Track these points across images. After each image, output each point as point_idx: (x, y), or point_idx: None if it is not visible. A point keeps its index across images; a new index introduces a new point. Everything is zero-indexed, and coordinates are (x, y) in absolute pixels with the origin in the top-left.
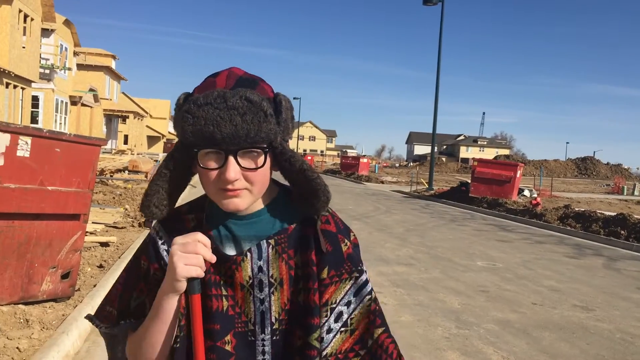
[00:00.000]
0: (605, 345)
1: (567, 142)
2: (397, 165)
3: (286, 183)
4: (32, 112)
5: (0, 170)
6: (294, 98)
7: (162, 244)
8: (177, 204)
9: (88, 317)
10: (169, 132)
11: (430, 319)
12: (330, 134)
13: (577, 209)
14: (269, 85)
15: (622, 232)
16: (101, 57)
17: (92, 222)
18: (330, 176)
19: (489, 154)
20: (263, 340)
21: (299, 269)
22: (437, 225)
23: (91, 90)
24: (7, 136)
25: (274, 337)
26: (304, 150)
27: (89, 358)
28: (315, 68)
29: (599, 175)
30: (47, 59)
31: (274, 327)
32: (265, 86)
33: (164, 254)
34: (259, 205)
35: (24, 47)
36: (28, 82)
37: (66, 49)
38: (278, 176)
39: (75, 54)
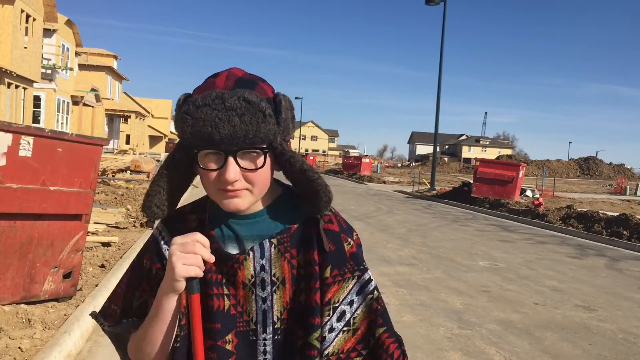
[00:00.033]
0: (608, 346)
1: (570, 142)
2: (399, 165)
3: (289, 183)
4: (34, 112)
5: (2, 170)
6: (296, 98)
7: (165, 243)
8: (180, 204)
9: (92, 314)
10: (171, 132)
11: (432, 319)
12: (332, 134)
13: (579, 209)
14: (269, 86)
15: (625, 232)
16: (103, 57)
17: (94, 222)
18: (332, 176)
19: (491, 154)
20: (265, 339)
21: (302, 269)
22: (439, 225)
23: (93, 90)
24: (9, 136)
25: (276, 337)
26: (306, 150)
27: (91, 358)
28: (317, 68)
29: (601, 176)
30: (49, 59)
31: (275, 326)
32: (265, 86)
33: (166, 253)
34: (261, 204)
35: (25, 47)
36: (30, 82)
37: (68, 49)
38: (281, 176)
39: (77, 54)
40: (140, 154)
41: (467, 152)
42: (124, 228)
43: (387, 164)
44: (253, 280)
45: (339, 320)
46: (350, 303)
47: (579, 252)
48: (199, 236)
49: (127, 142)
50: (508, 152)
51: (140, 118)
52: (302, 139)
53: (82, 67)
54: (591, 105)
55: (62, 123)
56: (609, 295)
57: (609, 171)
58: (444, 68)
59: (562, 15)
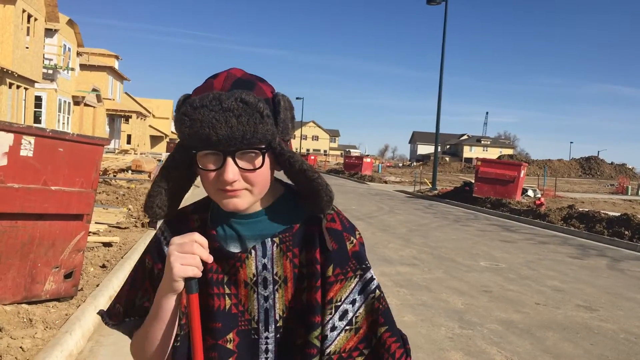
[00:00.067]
0: (609, 346)
1: (571, 142)
2: (400, 165)
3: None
4: (35, 112)
5: (3, 170)
6: (297, 98)
7: (166, 244)
8: (183, 204)
9: (100, 312)
10: (172, 132)
11: (433, 319)
12: (334, 134)
13: (581, 209)
14: (269, 86)
15: (626, 232)
16: (104, 57)
17: (95, 222)
18: (333, 176)
19: (493, 153)
20: (267, 338)
21: (304, 267)
22: (440, 225)
23: (94, 90)
24: (11, 136)
25: (278, 335)
26: (307, 150)
27: (92, 357)
28: (317, 68)
29: (603, 175)
30: (50, 59)
31: (277, 325)
32: (264, 87)
33: None
34: (263, 204)
35: (27, 48)
36: (31, 82)
37: (69, 49)
38: (283, 175)
39: (79, 54)
40: (141, 153)
41: (469, 152)
42: (125, 228)
43: (388, 164)
44: (255, 279)
45: (341, 319)
46: (353, 302)
47: (580, 252)
48: (197, 236)
49: (128, 142)
50: (509, 152)
51: (141, 118)
52: (304, 139)
53: (83, 67)
54: (592, 105)
55: (64, 123)
56: (611, 296)
57: (610, 171)
58: (445, 68)
59: (562, 15)
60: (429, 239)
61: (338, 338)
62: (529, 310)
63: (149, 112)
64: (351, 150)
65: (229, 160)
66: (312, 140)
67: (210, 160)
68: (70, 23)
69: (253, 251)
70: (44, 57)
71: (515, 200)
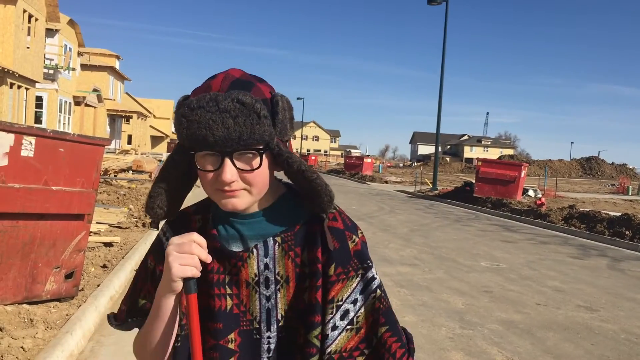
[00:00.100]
0: (610, 346)
1: (572, 142)
2: (401, 165)
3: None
4: (35, 112)
5: (4, 170)
6: (298, 98)
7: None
8: (185, 204)
9: (108, 314)
10: (173, 132)
11: (434, 319)
12: (334, 134)
13: (581, 209)
14: (268, 86)
15: (627, 232)
16: (105, 57)
17: (96, 222)
18: (334, 176)
19: (493, 154)
20: (269, 337)
21: (306, 267)
22: (441, 225)
23: (95, 90)
24: (11, 136)
25: (280, 335)
26: (308, 150)
27: (93, 357)
28: (318, 68)
29: (603, 175)
30: (51, 59)
31: (279, 324)
32: (263, 87)
33: None
34: (264, 204)
35: (28, 48)
36: (32, 82)
37: (70, 49)
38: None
39: (80, 54)
40: (142, 154)
41: (469, 152)
42: (126, 228)
43: (389, 164)
44: (257, 278)
45: (342, 318)
46: (354, 302)
47: (581, 252)
48: (195, 236)
49: (129, 142)
50: (510, 152)
51: (142, 118)
52: (304, 139)
53: (84, 67)
54: (593, 105)
55: (64, 123)
56: (611, 296)
57: (611, 171)
58: (445, 68)
59: (562, 15)
60: (429, 239)
61: (339, 338)
62: (530, 311)
63: (150, 113)
64: (352, 150)
65: (227, 161)
66: (313, 140)
67: (208, 161)
68: (71, 23)
69: (255, 250)
70: (44, 57)
71: (516, 200)
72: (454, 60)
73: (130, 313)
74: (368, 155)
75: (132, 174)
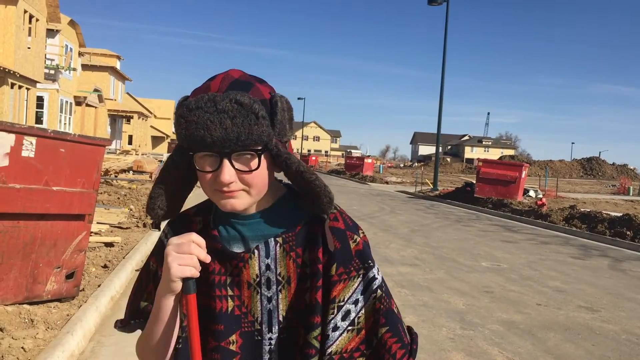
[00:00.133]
0: (611, 347)
1: (573, 143)
2: (401, 165)
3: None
4: (36, 112)
5: (5, 170)
6: (298, 98)
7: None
8: (187, 204)
9: (117, 320)
10: (173, 133)
11: (434, 319)
12: (335, 134)
13: (582, 210)
14: (267, 87)
15: (628, 232)
16: (106, 57)
17: (97, 223)
18: (334, 176)
19: (494, 154)
20: (270, 339)
21: (307, 267)
22: (442, 225)
23: (96, 90)
24: (12, 136)
25: (281, 336)
26: (308, 151)
27: (94, 358)
28: (318, 68)
29: (604, 176)
30: (52, 60)
31: (281, 325)
32: (262, 88)
33: None
34: (264, 205)
35: (29, 48)
36: (33, 82)
37: (71, 49)
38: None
39: (80, 54)
40: (142, 154)
41: (470, 153)
42: (126, 228)
43: (389, 164)
44: (258, 279)
45: (343, 319)
46: (356, 302)
47: (582, 252)
48: (194, 236)
49: (130, 143)
50: (511, 152)
51: (142, 118)
52: (305, 139)
53: (85, 67)
54: (594, 106)
55: (65, 123)
56: (612, 296)
57: (612, 171)
58: (446, 68)
59: (563, 15)
60: (430, 239)
61: (340, 338)
62: (531, 311)
63: (151, 113)
64: (352, 150)
65: (225, 161)
66: (314, 140)
67: (207, 162)
68: (71, 23)
69: (256, 251)
70: (45, 58)
71: (517, 201)
72: (454, 60)
73: (133, 315)
74: (369, 156)
75: (133, 174)
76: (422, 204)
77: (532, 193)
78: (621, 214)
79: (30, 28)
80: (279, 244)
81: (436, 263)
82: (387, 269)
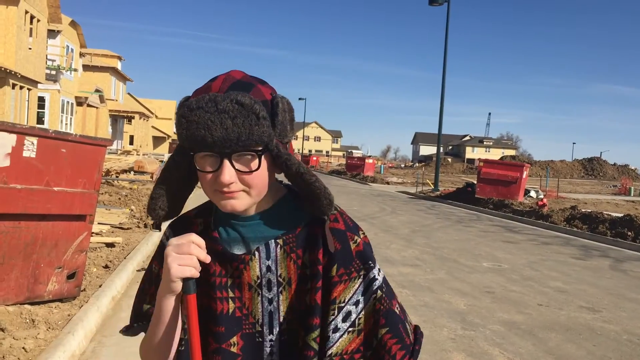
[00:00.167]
0: (612, 347)
1: (574, 143)
2: (402, 165)
3: None
4: (38, 112)
5: (6, 170)
6: (299, 99)
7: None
8: (187, 207)
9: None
10: (174, 133)
11: (435, 320)
12: (336, 135)
13: (583, 210)
14: (268, 88)
15: (629, 233)
16: (107, 58)
17: (98, 223)
18: (335, 177)
19: (495, 154)
20: (271, 340)
21: (307, 269)
22: (442, 226)
23: (97, 91)
24: (13, 137)
25: (282, 337)
26: (309, 151)
27: (95, 358)
28: (319, 68)
29: (605, 176)
30: (53, 60)
31: (282, 327)
32: (263, 89)
33: None
34: (264, 206)
35: (30, 48)
36: (34, 83)
37: (72, 50)
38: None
39: (81, 55)
40: (143, 154)
41: (471, 153)
42: (127, 229)
43: (390, 165)
44: (259, 281)
45: (344, 320)
46: (356, 303)
47: (583, 253)
48: (194, 237)
49: (131, 143)
50: (512, 152)
51: (144, 119)
52: (306, 139)
53: (86, 68)
54: (595, 106)
55: (66, 124)
56: (614, 297)
57: (613, 172)
58: (447, 68)
59: (563, 15)
60: (431, 239)
61: (340, 340)
62: (532, 311)
63: (152, 113)
64: (353, 151)
65: (226, 162)
66: (315, 141)
67: (207, 162)
68: (72, 24)
69: (257, 253)
70: (46, 58)
71: (518, 201)
72: (455, 60)
73: (136, 318)
74: (370, 156)
75: (134, 174)
76: (423, 204)
77: (533, 193)
78: (622, 215)
79: (31, 29)
80: (279, 246)
81: (437, 263)
82: (388, 269)
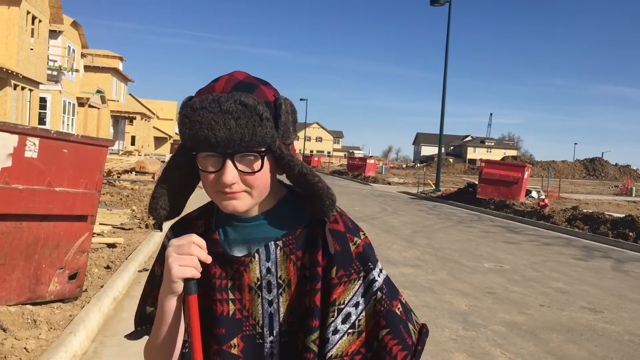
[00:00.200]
0: (614, 348)
1: (575, 143)
2: (404, 166)
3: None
4: (39, 113)
5: (8, 171)
6: (301, 99)
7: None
8: (188, 207)
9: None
10: (176, 133)
11: (437, 320)
12: (337, 135)
13: (585, 211)
14: (271, 89)
15: (631, 233)
16: (108, 58)
17: (100, 223)
18: (337, 177)
19: (497, 155)
20: (271, 342)
21: (307, 270)
22: (444, 226)
23: (98, 91)
24: (15, 137)
25: (283, 339)
26: (311, 151)
27: (96, 358)
28: (319, 69)
29: (607, 177)
30: (54, 61)
31: (282, 329)
32: (266, 90)
33: None
34: (265, 207)
35: (31, 49)
36: (36, 83)
37: (74, 50)
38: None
39: (83, 55)
40: (145, 155)
41: (472, 153)
42: (129, 229)
43: (391, 165)
44: (259, 283)
45: (344, 322)
46: (356, 305)
47: (584, 253)
48: (194, 237)
49: (133, 144)
50: (513, 153)
51: (145, 119)
52: (307, 140)
53: (87, 68)
54: (597, 106)
55: (68, 124)
56: (615, 297)
57: (614, 172)
58: (448, 69)
59: (564, 15)
60: (432, 240)
61: (340, 341)
62: (533, 312)
63: (153, 114)
64: (355, 151)
65: (228, 162)
66: (316, 141)
67: (210, 162)
68: (74, 25)
69: (257, 255)
70: (48, 59)
71: (519, 202)
72: (456, 61)
73: (140, 321)
74: (371, 156)
75: (136, 175)
76: (425, 204)
77: (534, 194)
78: (624, 215)
79: (33, 29)
80: (279, 247)
81: (438, 264)
82: (390, 270)
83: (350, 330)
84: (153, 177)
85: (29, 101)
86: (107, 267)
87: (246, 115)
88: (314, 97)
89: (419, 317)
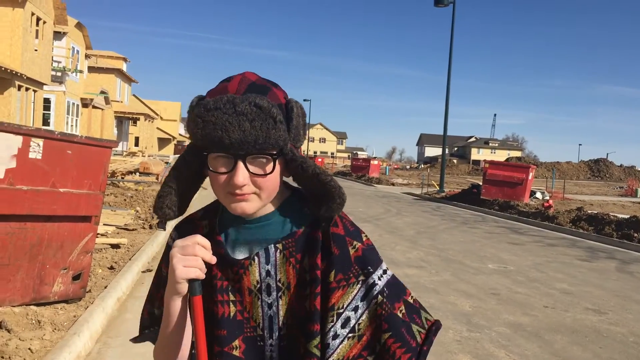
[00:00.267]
0: (618, 349)
1: (580, 144)
2: (407, 167)
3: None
4: (43, 114)
5: (12, 172)
6: (304, 100)
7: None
8: (192, 208)
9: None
10: (180, 134)
11: (441, 321)
12: (341, 136)
13: (589, 212)
14: (282, 91)
15: (636, 234)
16: (112, 59)
17: (103, 224)
18: (340, 178)
19: (501, 155)
20: (271, 345)
21: (307, 273)
22: (448, 227)
23: (102, 92)
24: (19, 138)
25: (282, 343)
26: (314, 152)
27: (100, 359)
28: (320, 69)
29: (612, 178)
30: (59, 62)
31: (281, 332)
32: (278, 92)
33: None
34: (269, 208)
35: (36, 50)
36: (40, 84)
37: (78, 51)
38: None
39: (87, 56)
40: (149, 156)
41: (476, 154)
42: (133, 230)
43: (395, 166)
44: (259, 286)
45: (343, 326)
46: (355, 309)
47: (589, 254)
48: (199, 238)
49: (136, 144)
50: (517, 154)
51: (149, 120)
52: (311, 141)
53: (91, 69)
54: (601, 107)
55: (72, 125)
56: (620, 299)
57: (619, 173)
58: (452, 70)
59: (568, 16)
60: (436, 241)
61: (340, 346)
62: (538, 313)
63: (157, 115)
64: (358, 152)
65: (240, 164)
66: (320, 142)
67: (221, 163)
68: (78, 26)
69: (256, 257)
70: (52, 60)
71: (524, 203)
72: (460, 61)
73: (147, 323)
74: (375, 157)
75: (139, 176)
76: (428, 205)
77: (538, 195)
78: (629, 216)
79: (37, 30)
80: (279, 250)
81: (442, 265)
82: (393, 270)
83: (350, 335)
84: (157, 178)
85: (33, 102)
86: (111, 268)
87: (261, 118)
88: (316, 98)
89: None
